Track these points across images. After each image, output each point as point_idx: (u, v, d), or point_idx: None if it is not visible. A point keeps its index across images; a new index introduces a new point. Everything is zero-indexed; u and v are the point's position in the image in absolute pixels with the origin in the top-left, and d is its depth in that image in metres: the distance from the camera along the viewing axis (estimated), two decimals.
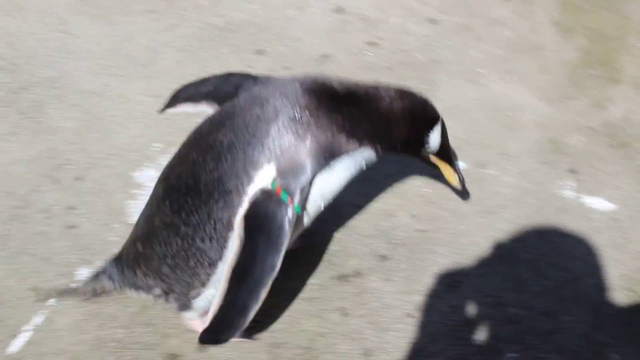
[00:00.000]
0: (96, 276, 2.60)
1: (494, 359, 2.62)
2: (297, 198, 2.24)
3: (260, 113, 2.27)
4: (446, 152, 2.59)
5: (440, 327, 2.69)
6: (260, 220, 2.21)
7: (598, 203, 3.13)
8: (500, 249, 2.93)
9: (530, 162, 3.26)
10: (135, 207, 2.92)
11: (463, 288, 2.80)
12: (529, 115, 3.46)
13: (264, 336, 2.62)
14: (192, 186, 2.27)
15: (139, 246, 2.44)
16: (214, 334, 2.29)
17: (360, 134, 2.35)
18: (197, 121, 2.38)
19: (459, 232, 2.98)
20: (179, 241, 2.32)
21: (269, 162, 2.22)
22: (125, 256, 2.52)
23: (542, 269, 2.87)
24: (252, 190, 2.22)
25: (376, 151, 2.41)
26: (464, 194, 2.80)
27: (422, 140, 2.48)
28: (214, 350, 2.56)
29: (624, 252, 2.96)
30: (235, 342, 2.56)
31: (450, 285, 2.81)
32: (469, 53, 3.76)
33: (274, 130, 2.24)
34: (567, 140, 3.37)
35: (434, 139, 2.49)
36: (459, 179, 2.67)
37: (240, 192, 2.22)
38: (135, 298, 2.56)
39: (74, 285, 2.67)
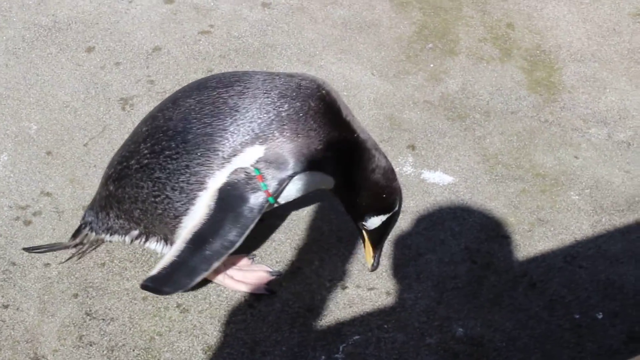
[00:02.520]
0: (78, 229, 2.68)
1: (337, 343, 2.61)
2: (273, 190, 2.33)
3: (271, 94, 2.35)
4: (377, 238, 2.68)
5: (282, 315, 2.66)
6: (235, 199, 2.31)
7: (438, 177, 3.13)
8: (340, 232, 2.91)
9: None
10: None
11: (304, 273, 2.78)
12: (366, 94, 3.44)
13: (101, 340, 2.55)
14: (180, 132, 2.33)
15: (111, 187, 2.49)
16: (156, 285, 2.43)
17: (340, 166, 2.46)
18: None
19: (299, 217, 2.95)
20: (150, 185, 2.38)
21: (261, 143, 2.30)
22: (98, 198, 2.58)
23: (383, 248, 2.84)
24: (236, 162, 2.31)
25: (334, 187, 2.53)
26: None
27: (363, 215, 2.58)
28: (50, 358, 2.50)
29: (464, 225, 2.96)
30: (70, 352, 2.52)
31: (292, 272, 2.78)
32: (304, 35, 3.72)
33: (277, 118, 2.32)
34: (405, 116, 3.36)
35: (373, 222, 2.60)
36: (373, 264, 2.73)
37: (224, 157, 2.31)
38: (113, 243, 2.71)
39: (60, 242, 2.73)
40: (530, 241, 2.92)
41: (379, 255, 2.74)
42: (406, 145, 3.23)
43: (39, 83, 3.39)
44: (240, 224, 2.32)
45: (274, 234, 2.87)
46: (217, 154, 2.31)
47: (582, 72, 3.64)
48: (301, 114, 2.34)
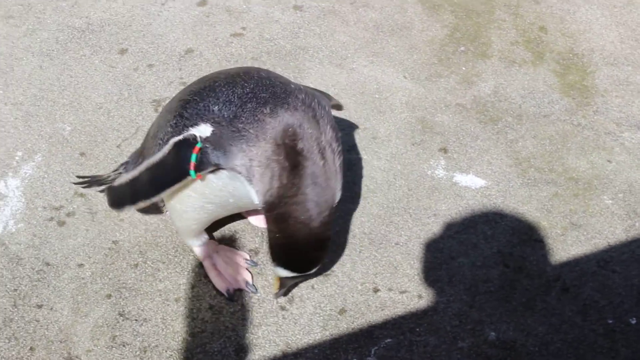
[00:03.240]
0: (118, 167, 2.85)
1: (369, 346, 2.60)
2: (199, 167, 2.27)
3: (249, 88, 2.30)
4: (285, 283, 2.57)
5: (314, 318, 2.66)
6: (173, 156, 2.31)
7: (470, 180, 3.12)
8: (372, 234, 2.90)
9: (400, 144, 3.23)
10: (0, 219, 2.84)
11: (336, 276, 2.77)
12: (398, 97, 3.43)
13: (134, 341, 2.57)
14: (181, 99, 2.42)
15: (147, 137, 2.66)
16: (108, 196, 2.59)
17: (273, 202, 2.30)
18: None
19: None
20: (152, 135, 2.55)
21: (214, 126, 2.26)
22: (140, 147, 2.74)
23: (415, 251, 2.84)
24: (191, 130, 2.29)
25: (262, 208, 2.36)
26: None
27: (272, 259, 2.47)
28: (84, 358, 2.52)
29: (496, 229, 2.95)
30: (103, 352, 2.54)
31: (324, 275, 2.78)
32: (336, 37, 3.72)
33: (238, 109, 2.26)
34: (437, 119, 3.35)
35: (280, 272, 2.49)
36: (277, 294, 2.64)
37: (185, 124, 2.32)
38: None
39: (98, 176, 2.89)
40: (563, 245, 2.91)
41: (285, 292, 2.69)
42: (438, 148, 3.23)
43: (73, 84, 3.41)
44: (162, 180, 2.35)
45: None
46: (182, 119, 2.34)
47: (615, 76, 3.62)
48: (260, 117, 2.24)
